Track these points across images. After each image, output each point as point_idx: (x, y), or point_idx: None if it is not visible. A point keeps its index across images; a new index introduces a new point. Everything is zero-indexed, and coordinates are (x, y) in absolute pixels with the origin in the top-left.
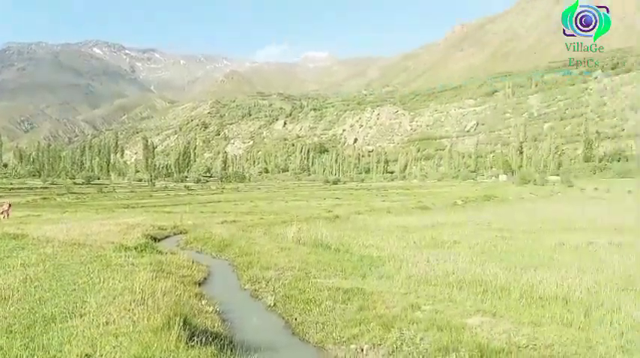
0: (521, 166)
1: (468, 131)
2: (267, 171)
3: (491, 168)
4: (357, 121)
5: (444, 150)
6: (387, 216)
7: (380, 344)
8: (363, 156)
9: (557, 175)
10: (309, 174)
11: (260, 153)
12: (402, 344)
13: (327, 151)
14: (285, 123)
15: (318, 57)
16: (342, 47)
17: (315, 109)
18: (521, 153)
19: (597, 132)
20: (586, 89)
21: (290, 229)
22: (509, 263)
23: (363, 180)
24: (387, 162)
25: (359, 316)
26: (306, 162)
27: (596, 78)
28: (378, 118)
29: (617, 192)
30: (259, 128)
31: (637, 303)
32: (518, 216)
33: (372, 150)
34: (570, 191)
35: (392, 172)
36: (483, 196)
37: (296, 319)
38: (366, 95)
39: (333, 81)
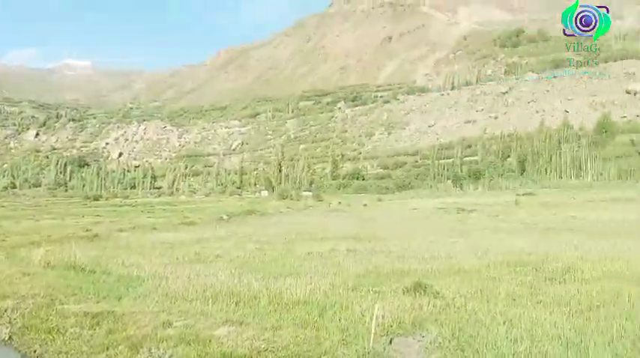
0: (280, 183)
1: (234, 149)
2: (14, 187)
3: (255, 184)
4: (123, 135)
5: (212, 166)
6: (152, 233)
7: None
8: (128, 171)
9: (310, 191)
10: (67, 190)
11: (6, 165)
12: None
13: (88, 165)
14: (37, 134)
15: (79, 65)
16: (106, 57)
17: (74, 120)
18: (280, 171)
19: (341, 154)
20: (332, 117)
21: (38, 251)
22: (265, 273)
23: (127, 196)
24: (154, 177)
25: (107, 340)
26: (62, 176)
27: (339, 108)
28: (145, 133)
29: (356, 206)
30: (6, 138)
31: (361, 301)
32: (276, 228)
33: (139, 166)
34: (320, 205)
35: (159, 188)
36: (247, 211)
37: (35, 351)
38: (132, 109)
39: (96, 92)
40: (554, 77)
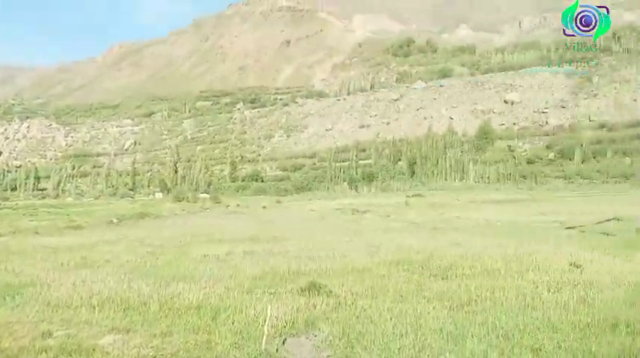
0: (176, 184)
1: (126, 149)
2: None
3: (149, 186)
4: (3, 133)
5: (101, 167)
6: (34, 237)
7: None
8: (9, 171)
9: (208, 193)
10: None
11: None
12: None
13: None
14: None
15: None
16: None
17: None
18: (176, 172)
19: (240, 156)
20: (231, 119)
21: None
22: (157, 277)
23: (7, 199)
24: (38, 178)
25: None
26: None
27: (238, 109)
28: (28, 131)
29: (255, 207)
30: None
31: (256, 303)
32: (171, 231)
33: (21, 166)
34: (218, 207)
35: (44, 189)
36: (139, 213)
37: None
38: (14, 105)
39: None
40: (441, 86)
